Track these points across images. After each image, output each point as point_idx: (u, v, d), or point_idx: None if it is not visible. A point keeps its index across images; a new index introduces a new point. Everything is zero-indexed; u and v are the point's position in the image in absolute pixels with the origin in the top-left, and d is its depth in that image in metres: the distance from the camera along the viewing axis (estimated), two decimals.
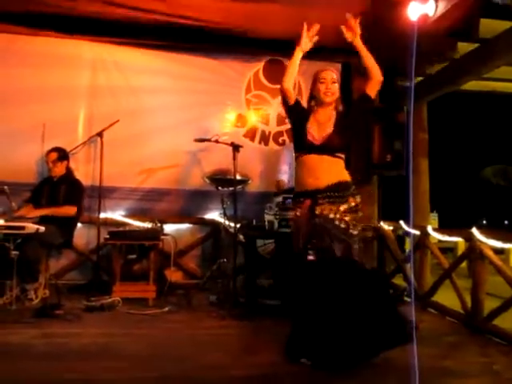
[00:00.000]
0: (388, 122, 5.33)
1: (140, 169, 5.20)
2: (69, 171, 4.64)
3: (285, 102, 3.04)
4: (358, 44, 2.91)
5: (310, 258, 2.80)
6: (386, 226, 5.27)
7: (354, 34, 2.91)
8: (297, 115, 3.03)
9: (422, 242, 4.64)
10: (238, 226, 4.37)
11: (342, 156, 2.94)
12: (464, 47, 4.46)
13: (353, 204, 2.85)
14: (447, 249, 7.12)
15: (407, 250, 5.68)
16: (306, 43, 2.98)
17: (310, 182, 2.87)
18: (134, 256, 4.57)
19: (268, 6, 4.40)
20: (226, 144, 4.46)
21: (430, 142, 5.75)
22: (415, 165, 5.56)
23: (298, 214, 2.91)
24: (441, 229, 4.78)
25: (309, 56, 5.26)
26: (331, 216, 2.80)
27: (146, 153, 5.20)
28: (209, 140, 4.61)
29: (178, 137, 5.23)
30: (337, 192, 2.83)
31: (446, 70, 4.83)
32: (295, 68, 3.01)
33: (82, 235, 4.97)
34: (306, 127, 2.92)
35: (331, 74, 2.95)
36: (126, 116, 4.98)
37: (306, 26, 2.95)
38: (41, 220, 4.22)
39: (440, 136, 7.38)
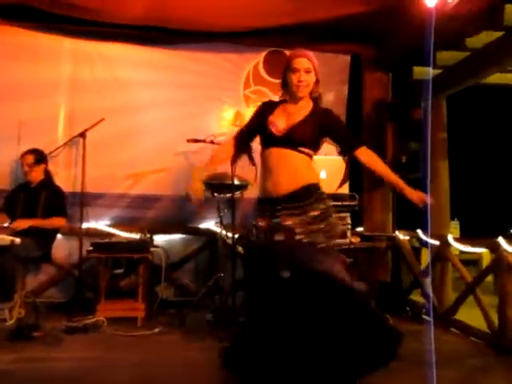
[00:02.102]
0: (403, 120, 5.41)
1: (127, 173, 5.21)
2: (48, 176, 4.63)
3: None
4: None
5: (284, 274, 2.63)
6: (401, 236, 5.28)
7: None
8: (262, 114, 2.89)
9: (441, 253, 4.64)
10: (237, 236, 4.36)
11: (310, 153, 2.77)
12: (487, 36, 4.46)
13: (316, 213, 2.67)
14: (470, 261, 7.08)
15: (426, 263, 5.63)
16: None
17: (268, 186, 2.73)
18: (120, 270, 4.57)
19: None
20: None
21: (450, 142, 5.75)
22: (433, 167, 5.50)
23: (259, 224, 2.74)
24: (463, 238, 4.79)
25: (313, 47, 5.31)
26: (296, 231, 2.65)
27: (134, 155, 5.20)
28: (203, 141, 4.62)
29: (169, 137, 5.24)
30: (297, 202, 2.68)
31: (466, 61, 4.83)
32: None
33: (63, 248, 4.96)
34: (267, 118, 2.79)
35: (305, 63, 2.78)
36: (111, 114, 4.97)
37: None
38: (16, 231, 4.19)
39: (461, 135, 7.35)
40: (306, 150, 2.76)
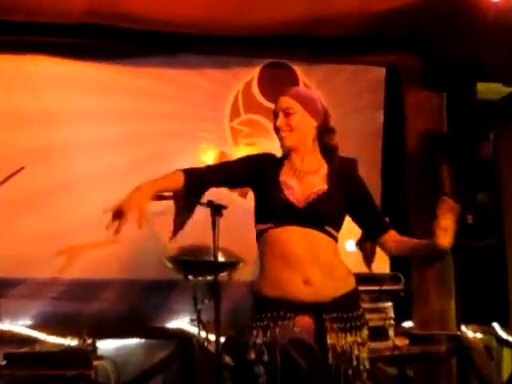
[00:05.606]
0: (465, 160, 5.32)
1: (57, 247, 5.07)
2: None
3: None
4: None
5: None
6: (470, 333, 5.28)
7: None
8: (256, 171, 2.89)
9: None
10: (223, 340, 4.38)
11: (335, 235, 2.76)
12: None
13: (366, 331, 2.79)
14: None
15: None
16: None
17: (298, 285, 2.64)
18: None
19: None
20: (201, 204, 4.20)
21: None
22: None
23: (294, 331, 2.59)
24: None
25: (335, 59, 5.34)
26: (349, 352, 2.67)
27: (69, 220, 5.12)
28: (170, 198, 4.43)
29: (120, 193, 4.93)
30: (346, 311, 2.72)
31: None
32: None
33: None
34: (278, 179, 2.77)
35: (284, 102, 2.82)
36: (35, 160, 4.96)
37: None
38: None
39: None
40: (333, 231, 2.74)
